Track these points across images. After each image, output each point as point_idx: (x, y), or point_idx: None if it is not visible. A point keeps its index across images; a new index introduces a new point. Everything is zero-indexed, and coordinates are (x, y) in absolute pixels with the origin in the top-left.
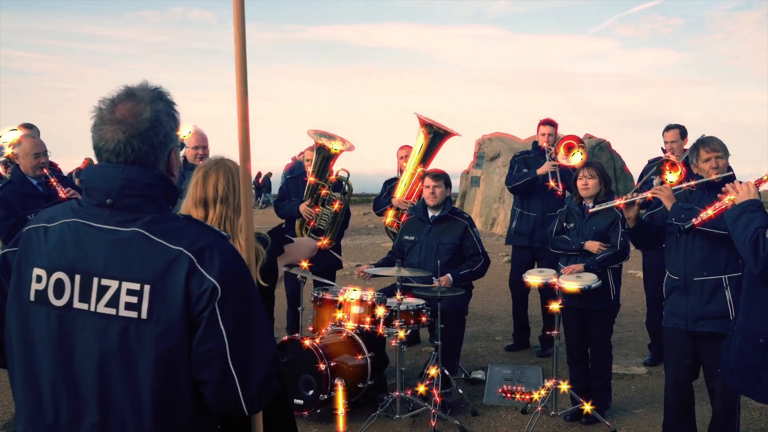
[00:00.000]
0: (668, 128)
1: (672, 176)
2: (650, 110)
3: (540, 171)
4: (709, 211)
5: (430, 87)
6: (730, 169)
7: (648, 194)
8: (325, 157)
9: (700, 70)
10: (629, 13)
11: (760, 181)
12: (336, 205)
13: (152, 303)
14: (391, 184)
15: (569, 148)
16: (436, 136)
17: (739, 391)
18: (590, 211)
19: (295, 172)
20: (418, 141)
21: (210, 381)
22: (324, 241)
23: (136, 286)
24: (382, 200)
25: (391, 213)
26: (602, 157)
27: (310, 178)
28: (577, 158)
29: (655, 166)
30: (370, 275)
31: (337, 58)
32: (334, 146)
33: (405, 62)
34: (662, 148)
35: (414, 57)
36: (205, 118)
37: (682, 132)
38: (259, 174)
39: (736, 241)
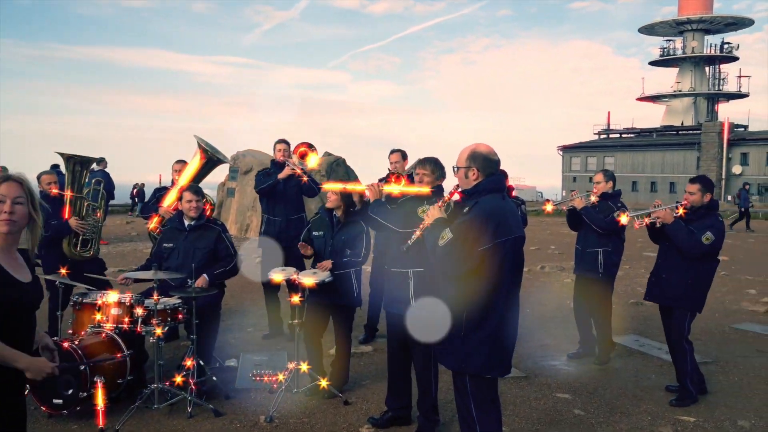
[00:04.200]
0: (392, 152)
1: (394, 186)
2: (378, 133)
3: (281, 175)
4: (417, 232)
5: (191, 107)
6: (439, 187)
7: (364, 187)
8: (78, 171)
9: (416, 101)
10: (360, 51)
11: (442, 203)
12: (99, 214)
13: None
14: (160, 193)
15: (303, 156)
16: (210, 161)
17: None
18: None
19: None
20: (194, 161)
21: None
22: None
23: None
24: (150, 206)
25: (156, 219)
26: (339, 171)
27: (68, 192)
28: (313, 161)
29: (385, 179)
30: (131, 280)
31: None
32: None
33: (166, 83)
34: (389, 169)
35: (174, 79)
36: None
37: (403, 154)
38: (135, 185)
39: (429, 249)
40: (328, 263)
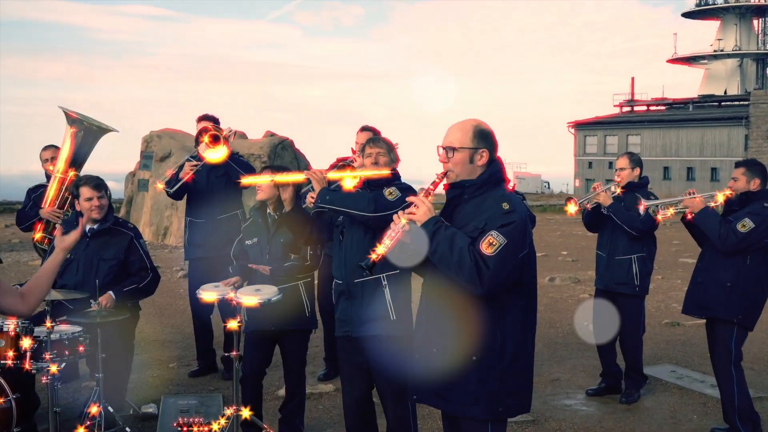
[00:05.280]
0: (363, 129)
1: (346, 173)
2: (335, 106)
3: (185, 175)
4: (387, 242)
5: (86, 72)
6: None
7: (303, 175)
8: None
9: (383, 63)
10: None
11: (428, 192)
12: None
13: None
14: (36, 193)
15: (215, 140)
16: (88, 133)
17: (461, 414)
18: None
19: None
20: (66, 141)
21: None
22: None
23: None
24: (27, 212)
25: (40, 227)
26: (286, 156)
27: None
28: (218, 153)
29: (342, 163)
30: None
31: None
32: None
33: (52, 41)
34: (352, 148)
35: (65, 35)
36: None
37: (375, 135)
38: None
39: (444, 264)
40: (265, 267)
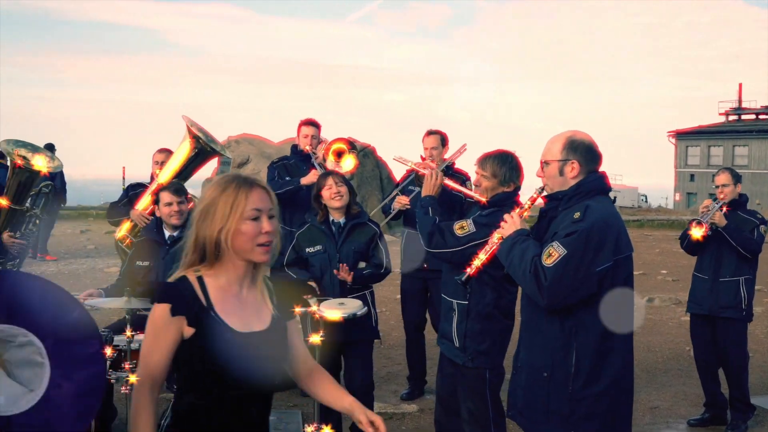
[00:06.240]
0: (429, 133)
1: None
2: (418, 111)
3: (305, 181)
4: (482, 256)
5: (164, 75)
6: (508, 196)
7: (396, 204)
8: (21, 181)
9: (467, 67)
10: None
11: (523, 210)
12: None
13: None
14: (134, 191)
15: (339, 154)
16: (201, 152)
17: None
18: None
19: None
20: (182, 150)
21: None
22: None
23: None
24: (120, 208)
25: (126, 226)
26: (368, 165)
27: (3, 201)
28: (349, 164)
29: (414, 175)
30: (93, 309)
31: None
32: (37, 163)
33: (130, 43)
34: (421, 156)
35: (142, 37)
36: None
37: (442, 139)
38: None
39: (516, 276)
40: (345, 273)
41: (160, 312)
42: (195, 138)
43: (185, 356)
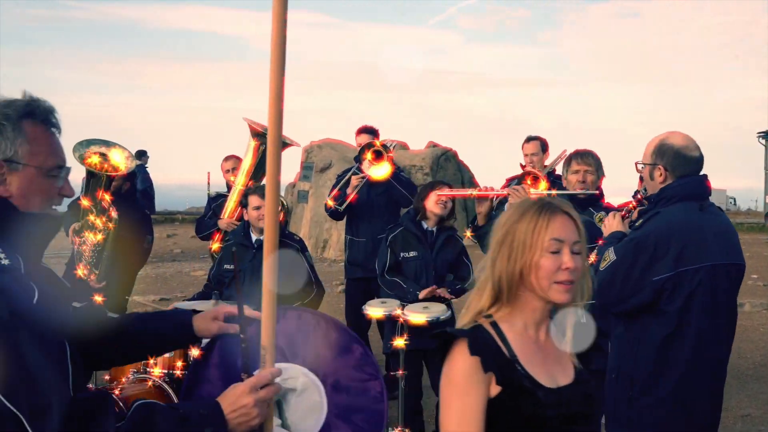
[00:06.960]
0: (528, 140)
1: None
2: (499, 115)
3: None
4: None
5: (248, 81)
6: (599, 188)
7: (505, 192)
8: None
9: (552, 70)
10: (473, 1)
11: (624, 213)
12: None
13: None
14: (216, 202)
15: (378, 155)
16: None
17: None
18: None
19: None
20: (248, 154)
21: None
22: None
23: None
24: (206, 221)
25: (218, 237)
26: (449, 168)
27: (84, 202)
28: (383, 170)
29: (517, 179)
30: None
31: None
32: (114, 158)
33: (215, 50)
34: (521, 164)
35: (224, 44)
36: None
37: (543, 145)
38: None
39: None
40: (442, 291)
41: (467, 367)
42: (260, 135)
43: (487, 420)
